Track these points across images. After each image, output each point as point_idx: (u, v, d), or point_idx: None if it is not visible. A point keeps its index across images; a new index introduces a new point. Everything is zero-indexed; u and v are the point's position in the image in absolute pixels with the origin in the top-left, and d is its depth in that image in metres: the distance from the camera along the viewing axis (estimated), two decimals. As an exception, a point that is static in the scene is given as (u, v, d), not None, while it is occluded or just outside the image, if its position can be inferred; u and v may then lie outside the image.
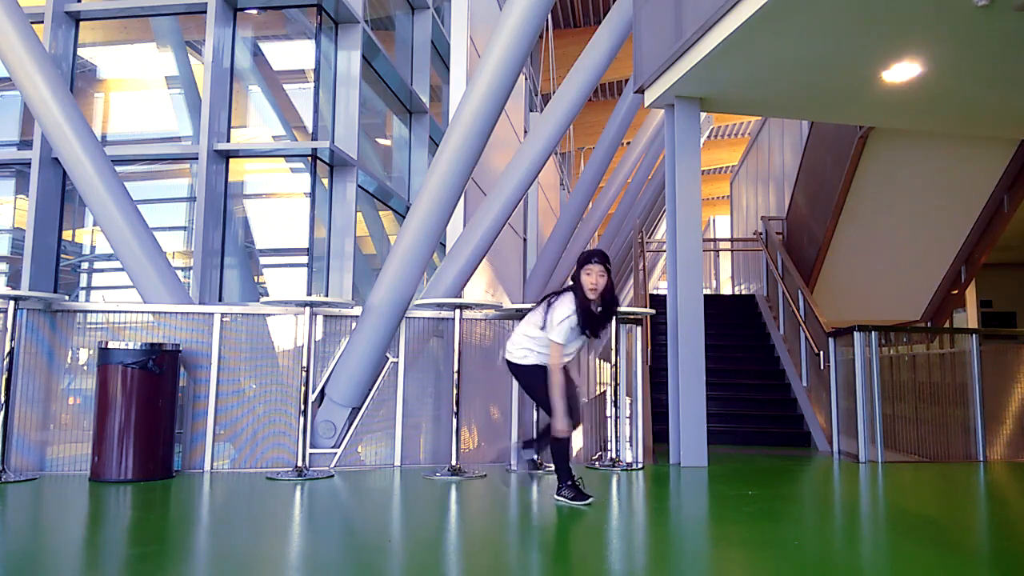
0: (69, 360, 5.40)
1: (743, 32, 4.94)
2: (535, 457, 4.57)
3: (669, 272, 6.21)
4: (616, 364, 5.87)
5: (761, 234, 11.04)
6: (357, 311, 5.63)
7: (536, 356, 4.15)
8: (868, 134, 8.01)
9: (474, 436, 5.89)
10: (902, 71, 5.53)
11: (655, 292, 12.41)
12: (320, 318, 5.64)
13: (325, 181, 8.21)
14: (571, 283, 4.11)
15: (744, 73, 5.69)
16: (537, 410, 4.99)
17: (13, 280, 8.06)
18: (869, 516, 4.38)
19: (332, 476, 5.11)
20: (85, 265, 8.48)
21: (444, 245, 8.61)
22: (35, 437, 5.16)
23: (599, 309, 4.08)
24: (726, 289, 18.47)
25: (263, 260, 8.36)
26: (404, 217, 7.61)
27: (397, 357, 5.73)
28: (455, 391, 5.37)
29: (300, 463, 5.17)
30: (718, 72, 5.66)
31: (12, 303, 4.96)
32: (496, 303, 6.14)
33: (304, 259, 7.72)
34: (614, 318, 4.36)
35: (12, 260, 8.24)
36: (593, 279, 4.01)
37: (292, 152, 8.12)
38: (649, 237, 18.73)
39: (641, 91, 6.58)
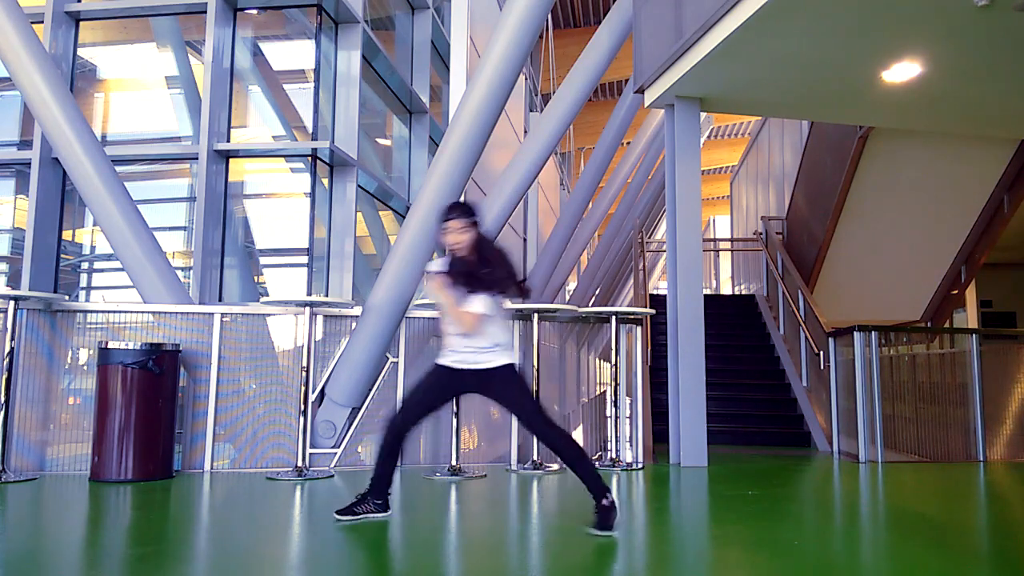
0: (69, 360, 5.40)
1: (743, 32, 4.94)
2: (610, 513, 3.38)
3: (669, 272, 6.21)
4: (616, 364, 5.87)
5: (761, 234, 11.03)
6: (357, 311, 5.63)
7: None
8: (868, 134, 8.00)
9: (474, 436, 5.89)
10: (902, 71, 5.53)
11: (655, 292, 12.40)
12: (320, 318, 5.64)
13: (325, 181, 8.21)
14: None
15: (744, 73, 5.69)
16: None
17: (13, 280, 8.06)
18: (869, 516, 4.38)
19: (332, 476, 5.11)
20: (85, 265, 8.48)
21: (444, 245, 8.59)
22: (35, 437, 5.16)
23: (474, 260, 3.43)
24: (726, 289, 18.46)
25: (263, 260, 8.36)
26: (404, 217, 7.61)
27: (397, 357, 5.73)
28: (455, 391, 5.36)
29: (300, 463, 5.17)
30: (718, 72, 5.66)
31: (12, 303, 4.95)
32: (496, 303, 6.13)
33: (304, 259, 7.72)
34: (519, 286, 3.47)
35: (12, 260, 8.24)
36: (452, 237, 3.43)
37: (292, 152, 8.12)
38: (649, 237, 18.72)
39: (641, 91, 6.58)
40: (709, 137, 23.19)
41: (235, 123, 7.95)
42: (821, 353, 7.17)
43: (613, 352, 5.90)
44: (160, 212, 8.33)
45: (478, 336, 3.42)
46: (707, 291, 13.72)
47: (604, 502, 3.36)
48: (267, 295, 7.00)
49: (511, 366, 3.46)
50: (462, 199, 3.57)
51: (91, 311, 5.45)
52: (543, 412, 3.48)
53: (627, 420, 6.00)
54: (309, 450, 5.30)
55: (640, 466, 5.69)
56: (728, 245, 16.20)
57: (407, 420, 3.56)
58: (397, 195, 9.98)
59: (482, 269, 3.40)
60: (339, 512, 3.63)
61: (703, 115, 8.17)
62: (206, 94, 7.61)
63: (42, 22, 7.81)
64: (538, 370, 5.65)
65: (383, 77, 9.65)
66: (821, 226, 9.46)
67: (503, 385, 3.47)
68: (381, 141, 10.33)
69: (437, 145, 6.30)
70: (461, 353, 3.46)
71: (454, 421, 5.32)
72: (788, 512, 4.38)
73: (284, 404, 5.51)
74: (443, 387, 3.58)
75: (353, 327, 5.62)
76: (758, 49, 5.24)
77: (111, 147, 7.96)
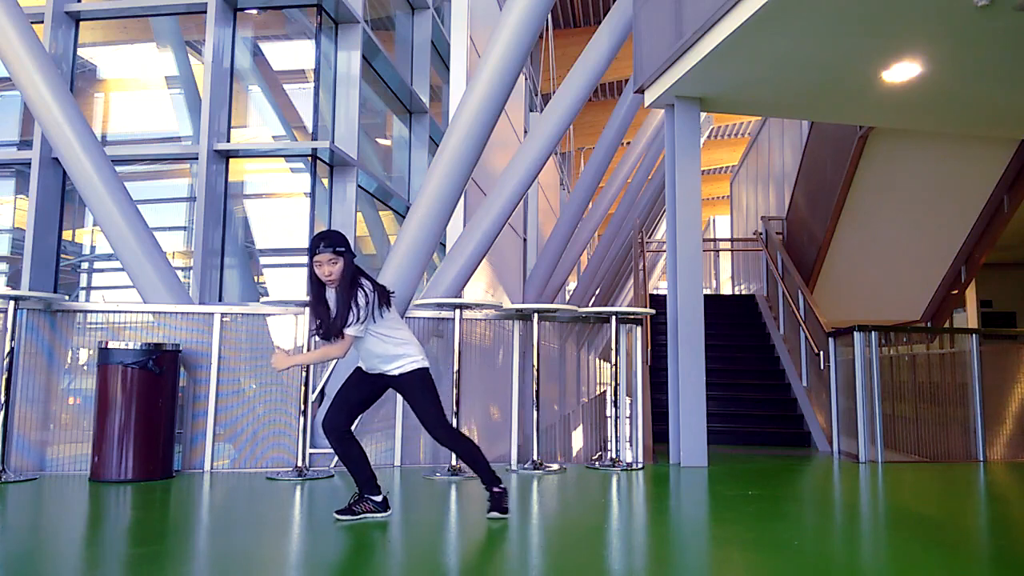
0: (69, 360, 5.40)
1: (743, 32, 4.94)
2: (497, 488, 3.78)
3: (669, 272, 6.21)
4: (616, 364, 5.87)
5: (761, 234, 11.03)
6: (357, 311, 5.62)
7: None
8: (868, 134, 8.01)
9: (474, 436, 5.89)
10: (902, 71, 5.53)
11: (655, 292, 12.41)
12: (320, 318, 5.62)
13: (325, 181, 8.21)
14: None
15: (744, 73, 5.69)
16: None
17: (13, 280, 8.06)
18: (869, 516, 4.38)
19: (332, 476, 5.11)
20: (85, 265, 8.48)
21: (444, 245, 8.61)
22: (35, 437, 5.16)
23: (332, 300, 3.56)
24: (726, 289, 18.47)
25: (263, 260, 8.36)
26: (404, 217, 7.61)
27: (397, 357, 5.71)
28: (455, 391, 5.37)
29: (300, 463, 5.17)
30: (718, 72, 5.66)
31: (12, 303, 4.96)
32: (496, 303, 6.14)
33: (304, 259, 7.71)
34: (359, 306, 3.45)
35: (12, 260, 8.25)
36: (324, 269, 3.50)
37: (292, 152, 8.12)
38: (649, 237, 18.72)
39: (641, 91, 6.58)
40: (709, 137, 23.20)
41: (235, 123, 7.95)
42: (821, 353, 7.17)
43: (613, 352, 5.90)
44: (160, 212, 8.33)
45: (385, 349, 3.56)
46: (707, 291, 13.73)
47: (496, 489, 3.74)
48: (267, 295, 7.00)
49: (418, 372, 3.61)
50: (330, 228, 3.76)
51: (91, 311, 5.45)
52: (443, 418, 3.66)
53: (627, 420, 6.00)
54: (309, 450, 5.31)
55: (640, 466, 5.69)
56: (728, 245, 16.20)
57: (339, 421, 3.65)
58: (397, 195, 9.98)
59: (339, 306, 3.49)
60: (339, 512, 3.67)
61: (703, 115, 8.17)
62: (206, 94, 7.61)
63: (42, 22, 7.82)
64: (538, 370, 5.65)
65: (383, 77, 9.65)
66: (821, 226, 9.46)
67: (409, 390, 3.64)
68: (381, 141, 10.34)
69: (437, 145, 6.30)
70: (372, 361, 3.63)
71: (454, 421, 5.32)
72: (788, 512, 4.38)
73: (284, 404, 5.52)
74: (366, 387, 3.72)
75: (353, 327, 5.61)
76: (758, 49, 5.24)
77: (111, 147, 7.97)
